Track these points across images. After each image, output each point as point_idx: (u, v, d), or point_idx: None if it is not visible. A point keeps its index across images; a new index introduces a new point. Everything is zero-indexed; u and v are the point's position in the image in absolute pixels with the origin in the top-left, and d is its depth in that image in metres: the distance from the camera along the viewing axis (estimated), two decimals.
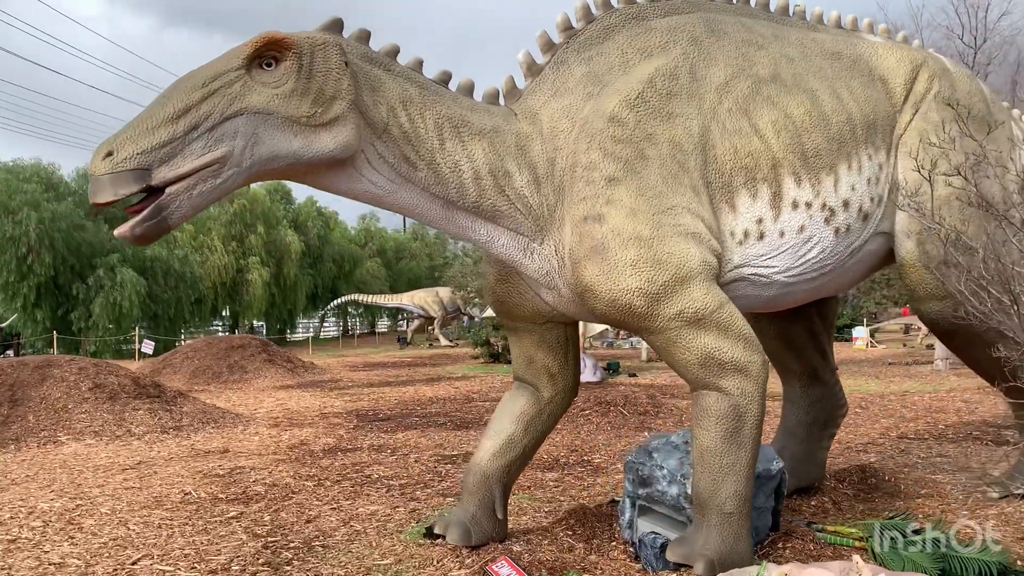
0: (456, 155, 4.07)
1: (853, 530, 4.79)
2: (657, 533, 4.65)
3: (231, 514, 6.27)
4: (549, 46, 4.59)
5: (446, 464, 8.10)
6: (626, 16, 4.72)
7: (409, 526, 5.68)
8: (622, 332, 21.47)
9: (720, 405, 4.16)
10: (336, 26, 3.90)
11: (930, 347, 27.64)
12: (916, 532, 4.51)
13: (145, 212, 3.40)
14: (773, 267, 4.68)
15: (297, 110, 3.63)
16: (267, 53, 3.59)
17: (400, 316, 48.34)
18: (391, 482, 7.30)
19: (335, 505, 6.48)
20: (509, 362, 22.11)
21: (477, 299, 24.30)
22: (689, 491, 4.54)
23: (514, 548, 4.91)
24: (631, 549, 4.83)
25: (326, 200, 58.01)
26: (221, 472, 7.93)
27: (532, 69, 4.55)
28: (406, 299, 37.01)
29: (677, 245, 4.15)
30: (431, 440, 9.65)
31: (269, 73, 3.60)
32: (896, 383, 15.23)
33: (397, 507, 6.32)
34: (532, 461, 8.05)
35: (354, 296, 38.99)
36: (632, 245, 4.10)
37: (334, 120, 3.73)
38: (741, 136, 4.56)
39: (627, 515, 5.00)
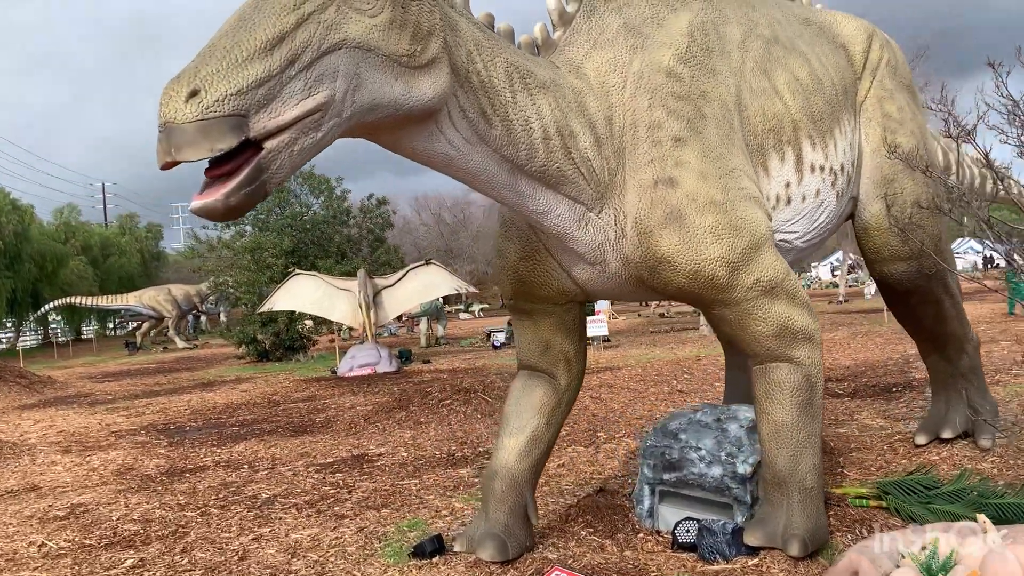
0: (527, 110, 3.46)
1: (863, 490, 4.87)
2: (693, 519, 4.39)
3: (128, 562, 5.05)
4: None
5: (334, 474, 7.22)
6: None
7: (378, 548, 4.90)
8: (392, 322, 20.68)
9: (794, 377, 3.98)
10: None
11: (662, 316, 30.32)
12: (933, 486, 4.67)
13: (244, 174, 2.45)
14: (795, 232, 4.59)
15: (397, 46, 2.84)
16: None
17: (119, 318, 43.50)
18: (291, 500, 6.33)
19: (253, 535, 5.46)
20: (279, 359, 20.71)
21: (235, 292, 22.28)
22: (739, 470, 4.33)
23: (548, 556, 4.39)
24: (659, 537, 4.53)
25: (20, 189, 50.40)
26: (60, 513, 6.40)
27: (564, 18, 4.02)
28: (133, 299, 33.21)
29: (748, 210, 3.89)
30: (282, 450, 8.59)
31: None
32: (680, 349, 16.32)
33: (334, 528, 5.46)
34: (425, 458, 7.47)
35: (71, 299, 34.26)
36: (709, 211, 3.77)
37: (432, 62, 2.98)
38: (767, 97, 4.40)
39: (647, 503, 4.69)
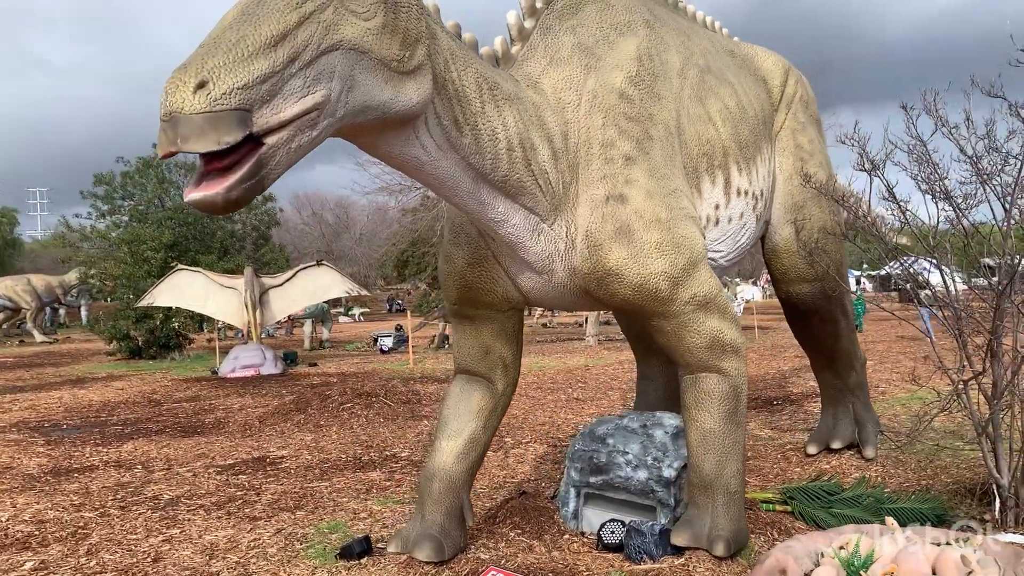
0: (494, 121, 3.56)
1: (769, 495, 5.20)
2: (618, 520, 4.57)
3: (28, 564, 4.79)
4: (533, 10, 4.23)
5: (237, 476, 7.03)
6: None
7: (300, 550, 4.85)
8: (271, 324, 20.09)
9: (722, 386, 4.23)
10: None
11: (544, 326, 30.87)
12: (834, 492, 5.05)
13: (246, 168, 2.43)
14: (720, 251, 4.88)
15: (388, 51, 2.88)
16: None
17: None
18: (196, 501, 6.14)
19: (163, 536, 5.27)
20: (153, 357, 19.83)
21: (108, 285, 21.14)
22: (665, 474, 4.55)
23: (481, 556, 4.47)
24: (584, 538, 4.69)
25: None
26: None
27: (522, 33, 4.15)
28: None
29: (687, 228, 4.13)
30: (175, 450, 8.28)
31: (356, 0, 2.80)
32: (569, 358, 16.71)
33: (250, 530, 5.34)
34: (331, 461, 7.40)
35: None
36: (655, 227, 3.98)
37: (417, 68, 3.04)
38: (702, 123, 4.67)
39: (572, 505, 4.84)
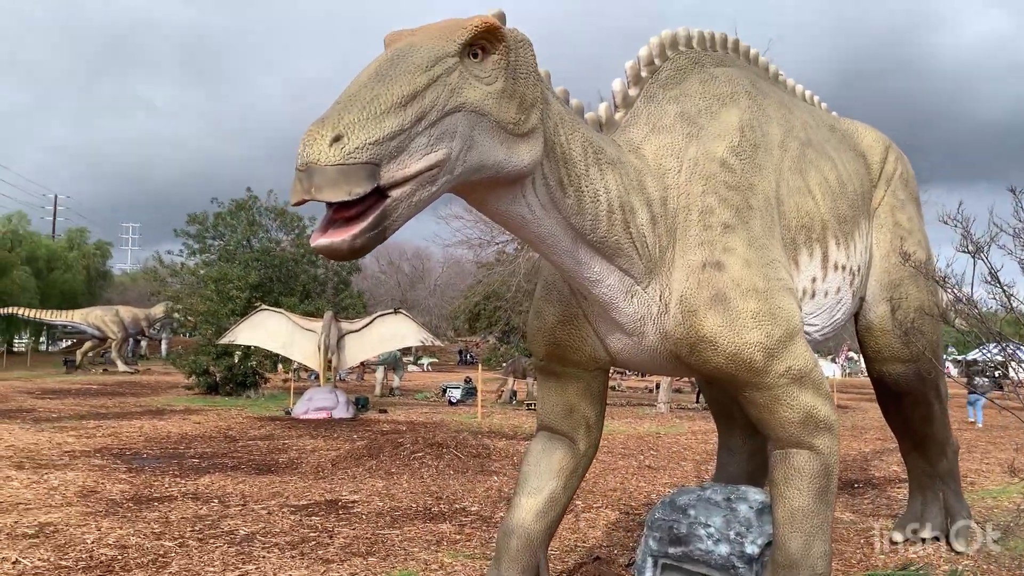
0: (596, 184, 3.62)
1: None
2: None
3: None
4: (638, 79, 4.32)
5: (310, 517, 7.12)
6: (691, 60, 4.60)
7: None
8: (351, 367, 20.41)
9: (813, 464, 4.12)
10: (503, 21, 3.28)
11: (613, 389, 30.52)
12: None
13: (372, 219, 2.54)
14: (815, 325, 4.80)
15: (506, 114, 3.00)
16: (479, 41, 2.93)
17: (58, 335, 42.15)
18: (271, 539, 6.23)
19: (239, 571, 5.38)
20: (229, 394, 20.31)
21: (193, 320, 21.85)
22: (748, 550, 4.43)
23: None
24: None
25: None
26: (29, 531, 6.21)
27: (626, 100, 4.24)
28: (79, 316, 32.37)
29: (784, 299, 4.08)
30: (251, 487, 8.43)
31: (479, 66, 2.93)
32: (639, 424, 16.47)
33: (323, 572, 5.40)
34: (401, 510, 7.43)
35: (14, 310, 33.19)
36: (752, 297, 3.95)
37: (531, 131, 3.14)
38: (801, 195, 4.65)
39: (648, 574, 4.75)
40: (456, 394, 21.24)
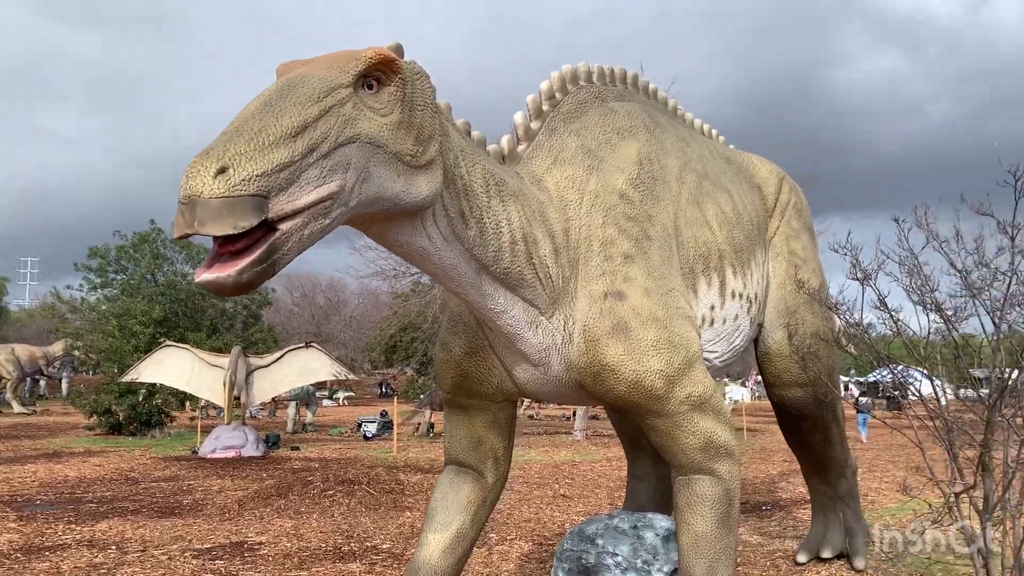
0: (499, 215, 3.64)
1: None
2: None
3: None
4: (539, 112, 4.39)
5: (213, 561, 6.85)
6: (592, 94, 4.70)
7: None
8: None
9: (715, 489, 4.18)
10: (400, 53, 3.28)
11: (531, 417, 30.55)
12: None
13: (259, 253, 2.47)
14: (715, 352, 4.91)
15: (403, 146, 2.98)
16: (374, 72, 2.91)
17: None
18: None
19: None
20: (133, 434, 19.52)
21: (94, 358, 20.92)
22: None
23: None
24: None
25: None
26: None
27: (528, 133, 4.30)
28: None
29: (683, 327, 4.17)
30: (151, 531, 8.07)
31: (374, 97, 2.91)
32: (556, 452, 16.50)
33: None
34: (310, 550, 7.23)
35: None
36: (651, 325, 4.02)
37: (429, 163, 3.13)
38: (698, 226, 4.77)
39: None
40: (372, 428, 20.89)
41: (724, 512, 4.18)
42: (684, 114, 5.81)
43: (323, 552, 7.17)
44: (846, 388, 35.65)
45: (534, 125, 4.32)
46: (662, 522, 4.79)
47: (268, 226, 2.52)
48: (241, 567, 6.61)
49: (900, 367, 5.35)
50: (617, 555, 4.56)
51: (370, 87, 2.92)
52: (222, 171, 2.39)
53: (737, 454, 4.31)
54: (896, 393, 5.20)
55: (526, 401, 34.81)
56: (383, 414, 22.71)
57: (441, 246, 3.44)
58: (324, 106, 2.70)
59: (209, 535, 7.93)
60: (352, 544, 7.52)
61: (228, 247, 2.49)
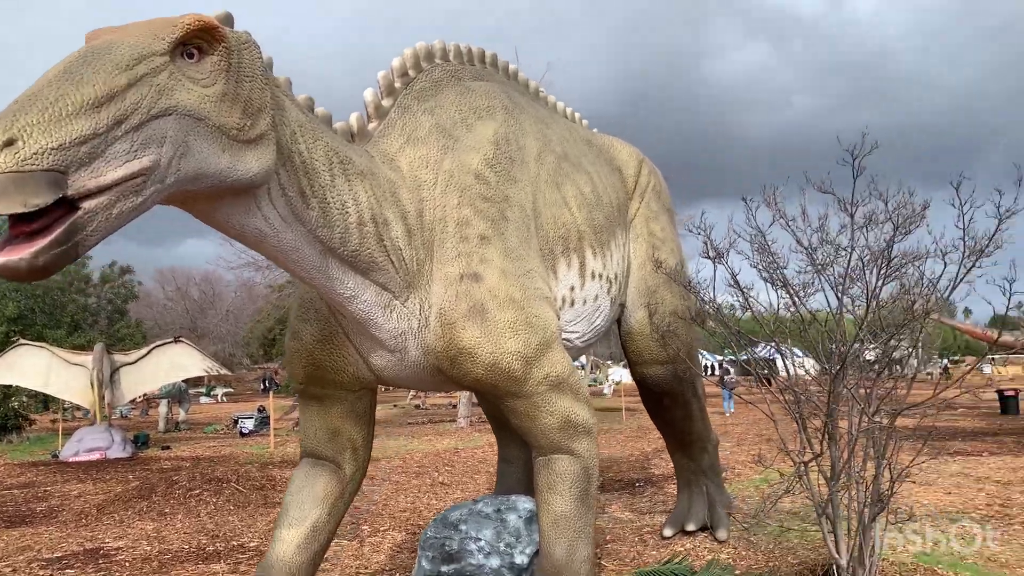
0: (344, 195, 3.50)
1: None
2: None
3: None
4: (391, 89, 4.26)
5: (64, 570, 6.43)
6: (448, 72, 4.62)
7: None
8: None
9: (574, 468, 4.20)
10: (230, 23, 3.09)
11: (417, 407, 30.40)
12: (685, 575, 5.07)
13: (57, 234, 2.25)
14: (576, 332, 4.93)
15: (228, 119, 2.79)
16: (194, 40, 2.72)
17: None
18: None
19: None
20: None
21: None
22: (517, 560, 4.45)
23: None
24: None
25: None
26: None
27: (379, 111, 4.17)
28: None
29: (541, 308, 4.15)
30: None
31: (195, 67, 2.71)
32: (439, 441, 16.43)
33: None
34: (171, 553, 6.92)
35: None
36: (509, 307, 3.98)
37: (260, 137, 2.95)
38: (557, 207, 4.76)
39: None
40: (248, 424, 20.23)
41: (583, 490, 4.21)
42: (546, 96, 5.80)
43: (185, 554, 6.85)
44: (720, 367, 37.12)
45: (385, 103, 4.20)
46: (525, 504, 4.79)
47: (70, 204, 2.31)
48: (94, 575, 6.22)
49: (766, 345, 5.53)
50: (480, 540, 4.52)
51: (190, 56, 2.73)
52: (9, 143, 2.17)
53: (595, 432, 4.35)
54: (756, 370, 5.37)
55: (412, 391, 34.55)
56: (260, 409, 22.07)
57: (280, 228, 3.28)
58: (135, 75, 2.49)
59: (61, 543, 7.45)
60: (217, 544, 7.22)
61: (22, 227, 2.27)
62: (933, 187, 4.57)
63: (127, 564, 6.58)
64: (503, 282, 4.00)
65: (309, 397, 4.36)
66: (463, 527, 4.62)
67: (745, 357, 5.62)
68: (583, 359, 43.51)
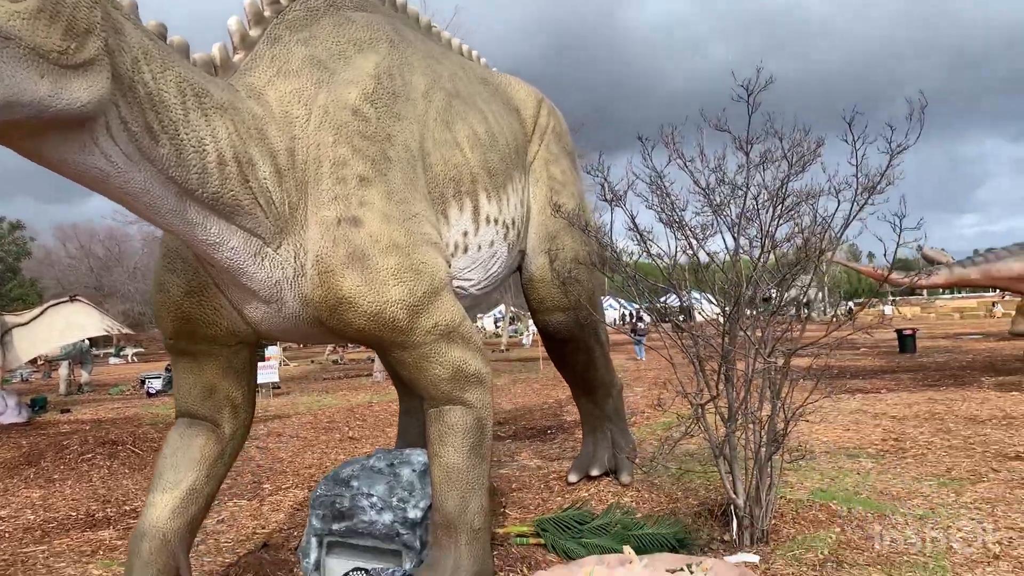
0: (200, 131, 3.20)
1: (524, 528, 5.09)
2: (361, 569, 4.28)
3: None
4: (260, 18, 3.93)
5: None
6: (325, 2, 4.30)
7: None
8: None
9: (466, 419, 4.05)
10: None
11: (335, 362, 29.98)
12: (585, 521, 5.01)
13: None
14: (471, 280, 4.74)
15: (46, 40, 2.46)
16: None
17: None
18: None
19: None
20: None
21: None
22: (410, 515, 4.29)
23: None
24: None
25: None
26: None
27: (246, 41, 3.83)
28: None
29: (429, 254, 3.94)
30: None
31: None
32: (353, 396, 16.18)
33: None
34: (57, 521, 6.58)
35: None
36: (392, 253, 3.76)
37: (89, 63, 2.62)
38: (448, 148, 4.53)
39: (313, 556, 4.47)
40: (156, 384, 19.56)
41: (476, 441, 4.07)
42: (439, 32, 5.52)
43: (72, 521, 6.51)
44: (635, 315, 37.66)
45: (253, 33, 3.88)
46: (419, 457, 4.64)
47: None
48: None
49: (671, 291, 5.45)
50: (372, 495, 4.35)
51: None
52: None
53: (489, 382, 4.20)
54: (655, 315, 5.30)
55: (330, 346, 33.99)
56: (168, 369, 21.31)
57: (125, 167, 2.96)
58: None
59: None
60: (108, 510, 6.88)
61: None
62: (832, 128, 4.50)
63: (7, 535, 6.20)
64: (385, 226, 3.77)
65: (181, 353, 4.08)
66: (355, 483, 4.43)
67: (647, 304, 5.55)
68: (501, 309, 43.59)
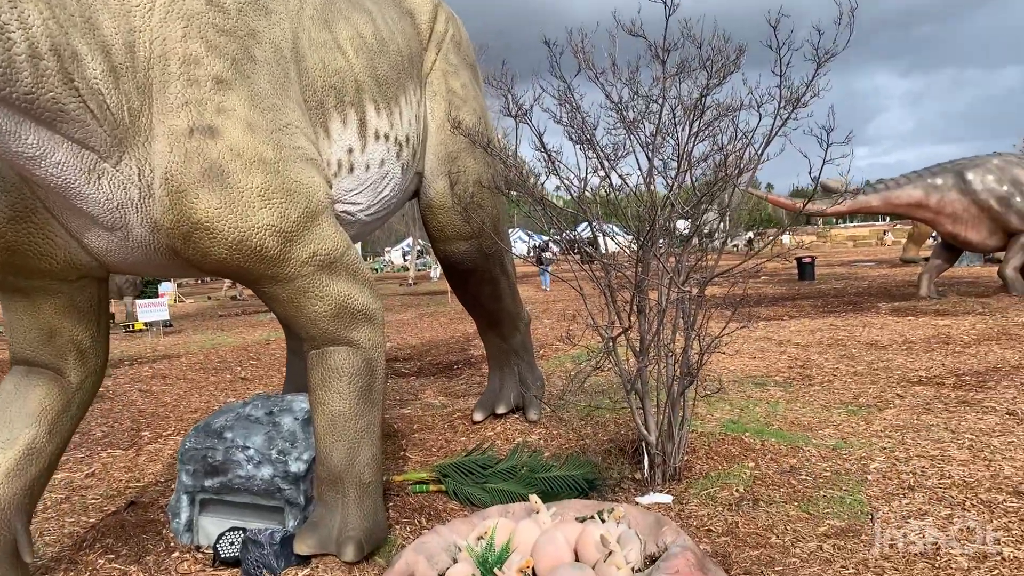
0: (3, 15, 2.56)
1: (424, 475, 4.70)
2: (239, 528, 3.81)
3: None
4: None
5: None
6: None
7: None
8: None
9: (353, 361, 3.59)
10: None
11: (234, 298, 28.84)
12: (489, 465, 4.66)
13: None
14: (359, 204, 4.22)
15: None
16: None
17: None
18: None
19: None
20: None
21: None
22: (292, 468, 3.84)
23: None
24: (198, 555, 3.87)
25: None
26: None
27: None
28: None
29: (304, 172, 3.40)
30: None
31: None
32: (250, 333, 15.43)
33: None
34: None
35: None
36: (258, 170, 3.21)
37: None
38: (328, 50, 3.95)
39: (184, 515, 3.98)
40: None
41: (365, 385, 3.63)
42: None
43: None
44: (545, 247, 37.55)
45: None
46: (302, 404, 4.16)
47: None
48: None
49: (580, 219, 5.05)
50: (249, 448, 3.87)
51: None
52: None
53: (380, 318, 3.73)
54: (563, 243, 4.91)
55: (227, 281, 32.66)
56: None
57: None
58: None
59: None
60: None
61: None
62: (754, 34, 4.10)
63: None
64: (249, 138, 3.21)
65: (11, 291, 3.46)
66: (228, 435, 3.93)
67: (555, 232, 5.14)
68: (409, 241, 42.74)
